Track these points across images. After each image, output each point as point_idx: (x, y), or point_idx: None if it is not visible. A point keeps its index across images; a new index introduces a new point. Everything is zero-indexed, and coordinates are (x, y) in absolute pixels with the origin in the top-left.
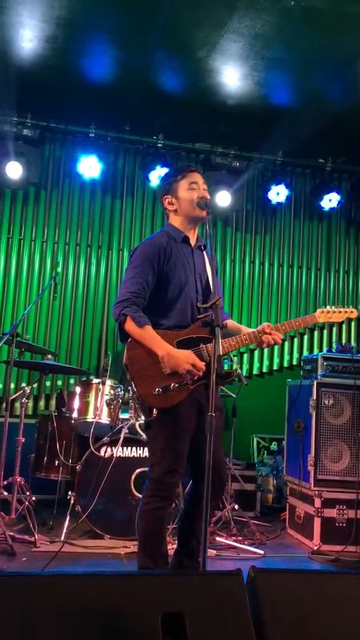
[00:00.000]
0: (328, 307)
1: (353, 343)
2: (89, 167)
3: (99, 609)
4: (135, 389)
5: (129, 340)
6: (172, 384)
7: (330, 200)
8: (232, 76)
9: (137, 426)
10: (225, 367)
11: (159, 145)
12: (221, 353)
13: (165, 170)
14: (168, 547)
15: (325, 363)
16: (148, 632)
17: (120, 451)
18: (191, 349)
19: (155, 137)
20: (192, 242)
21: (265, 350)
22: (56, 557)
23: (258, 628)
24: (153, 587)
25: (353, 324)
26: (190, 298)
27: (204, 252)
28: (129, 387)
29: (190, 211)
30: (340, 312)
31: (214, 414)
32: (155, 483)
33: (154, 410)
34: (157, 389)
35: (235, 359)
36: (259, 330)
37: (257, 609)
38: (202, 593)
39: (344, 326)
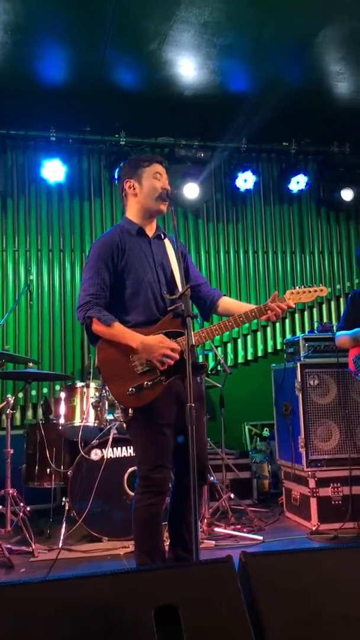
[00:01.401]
0: (297, 287)
1: (333, 322)
2: (53, 171)
3: (92, 610)
4: (109, 390)
5: (99, 341)
6: (145, 382)
7: (298, 183)
8: (187, 67)
9: (125, 425)
10: (210, 357)
11: (121, 142)
12: (194, 343)
13: None
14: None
15: (307, 344)
16: (142, 628)
17: (110, 452)
18: None
19: (117, 135)
20: (150, 232)
21: (249, 338)
22: (56, 565)
23: (253, 613)
24: (144, 582)
25: (332, 303)
26: (153, 291)
27: (165, 240)
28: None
29: (150, 200)
30: (310, 291)
31: (193, 405)
32: (144, 480)
33: (129, 410)
34: (130, 389)
35: (218, 349)
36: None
37: (251, 594)
38: (194, 583)
39: (323, 306)
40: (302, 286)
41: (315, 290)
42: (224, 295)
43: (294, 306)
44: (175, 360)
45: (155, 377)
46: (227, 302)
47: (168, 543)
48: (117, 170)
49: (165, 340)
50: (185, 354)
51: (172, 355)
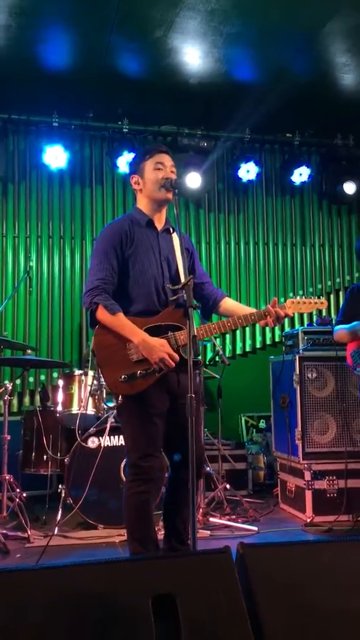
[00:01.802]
0: (298, 297)
1: (333, 315)
2: (55, 157)
3: (90, 597)
4: (102, 375)
5: (98, 325)
6: (139, 372)
7: (301, 175)
8: (192, 54)
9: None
10: (209, 348)
11: (124, 130)
12: (195, 335)
13: (132, 155)
14: (158, 534)
15: (306, 337)
16: (140, 616)
17: (107, 440)
18: (159, 337)
19: (120, 123)
20: (159, 225)
21: (247, 329)
22: (50, 551)
23: (250, 604)
24: (141, 571)
25: (332, 296)
26: (156, 283)
27: (173, 234)
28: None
29: (155, 192)
30: (310, 302)
31: (193, 395)
32: (133, 468)
33: (119, 396)
34: (122, 376)
35: (217, 340)
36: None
37: (248, 585)
38: (192, 573)
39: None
40: (304, 296)
41: (316, 302)
42: (227, 296)
43: (292, 315)
44: (170, 367)
45: (148, 367)
46: (229, 303)
47: (163, 533)
48: (117, 158)
49: (167, 346)
50: (181, 348)
51: (169, 362)
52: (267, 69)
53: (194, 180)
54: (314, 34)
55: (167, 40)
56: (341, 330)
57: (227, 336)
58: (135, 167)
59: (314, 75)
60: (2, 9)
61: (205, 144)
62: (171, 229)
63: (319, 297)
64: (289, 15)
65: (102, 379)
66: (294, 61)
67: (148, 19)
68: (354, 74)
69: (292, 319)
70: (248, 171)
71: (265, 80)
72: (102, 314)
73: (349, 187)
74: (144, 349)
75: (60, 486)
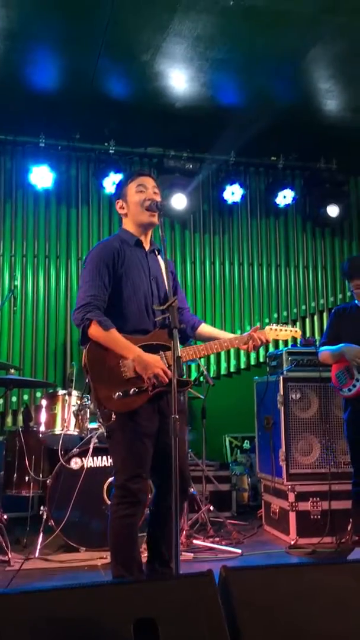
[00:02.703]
0: (274, 325)
1: (316, 336)
2: (41, 177)
3: (70, 622)
4: (94, 392)
5: (89, 343)
6: (132, 389)
7: (285, 197)
8: (178, 79)
9: (105, 433)
10: (193, 368)
11: (110, 151)
12: (180, 355)
13: (118, 176)
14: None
15: (290, 358)
16: None
17: (90, 461)
18: None
19: (106, 144)
20: (146, 245)
21: (232, 350)
22: (31, 574)
23: (233, 628)
24: (123, 595)
25: (316, 317)
26: (146, 301)
27: (159, 255)
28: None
29: (138, 214)
30: (287, 330)
31: (177, 416)
32: (121, 490)
33: (113, 415)
34: (117, 393)
35: (201, 360)
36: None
37: (231, 608)
38: (174, 597)
39: (307, 320)
40: (280, 324)
41: (292, 331)
42: (203, 322)
43: (270, 341)
44: (164, 383)
45: (142, 386)
46: (206, 329)
47: (146, 555)
48: (103, 179)
49: (161, 362)
50: (171, 368)
51: (163, 377)
52: (252, 94)
53: (179, 201)
54: (298, 60)
55: (153, 64)
56: (326, 352)
57: (212, 357)
58: (119, 192)
59: (298, 100)
60: None
61: (191, 166)
62: (157, 251)
63: (294, 326)
64: (273, 42)
65: (91, 398)
66: (279, 87)
67: (135, 43)
68: (337, 100)
69: (276, 340)
70: (233, 193)
71: (250, 104)
72: (95, 330)
73: (332, 210)
74: (139, 365)
75: (42, 508)
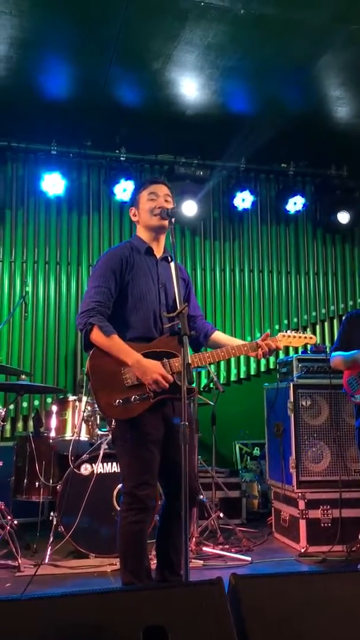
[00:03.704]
0: (287, 332)
1: (327, 343)
2: (53, 184)
3: (79, 629)
4: (95, 399)
5: (93, 349)
6: (133, 396)
7: (295, 204)
8: (189, 87)
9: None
10: (203, 374)
11: (122, 158)
12: (189, 362)
13: (129, 183)
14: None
15: (300, 365)
16: None
17: (100, 467)
18: None
19: (117, 151)
20: (158, 253)
21: (242, 357)
22: (41, 581)
23: (241, 635)
24: (133, 602)
25: (326, 324)
26: (153, 309)
27: (171, 263)
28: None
29: (149, 221)
30: (300, 337)
31: (187, 423)
32: (129, 497)
33: (113, 421)
34: (117, 400)
35: (211, 367)
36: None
37: (240, 617)
38: (183, 604)
39: (317, 327)
40: (293, 331)
41: (306, 337)
42: (217, 329)
43: (282, 348)
44: (164, 388)
45: (143, 393)
46: (219, 336)
47: (155, 562)
48: (114, 186)
49: (161, 368)
50: (175, 375)
51: (163, 383)
52: (262, 101)
53: (190, 208)
54: (309, 68)
55: (164, 72)
56: (338, 358)
57: (222, 363)
58: (133, 200)
59: (309, 107)
60: (3, 40)
61: (202, 173)
62: (169, 258)
63: (307, 333)
64: (283, 50)
65: (96, 404)
66: (289, 94)
67: (146, 51)
68: (347, 107)
69: (286, 347)
70: (243, 200)
71: (261, 112)
72: (96, 335)
73: (343, 217)
74: (138, 370)
75: (52, 513)
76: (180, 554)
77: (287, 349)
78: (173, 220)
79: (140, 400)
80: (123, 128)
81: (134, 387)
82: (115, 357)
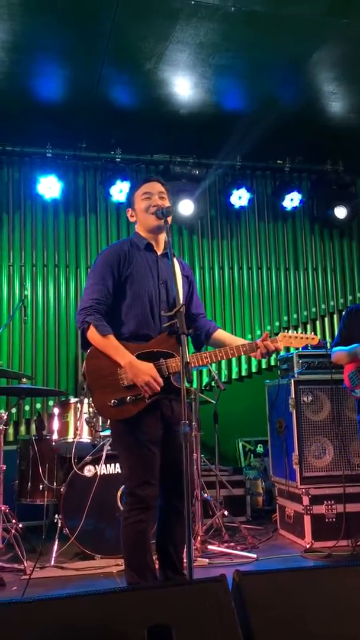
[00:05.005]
0: (289, 332)
1: (327, 339)
2: (49, 187)
3: (84, 630)
4: (92, 399)
5: (90, 349)
6: (129, 397)
7: (292, 200)
8: (182, 86)
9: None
10: (204, 373)
11: (117, 159)
12: (188, 362)
13: (125, 184)
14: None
15: (300, 361)
16: None
17: (103, 469)
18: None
19: (112, 152)
20: (158, 249)
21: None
22: (47, 583)
23: (246, 633)
24: (137, 601)
25: (326, 320)
26: (152, 305)
27: (173, 260)
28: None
29: (145, 220)
30: (302, 337)
31: (187, 422)
32: (131, 497)
33: (108, 422)
34: (112, 401)
35: (212, 365)
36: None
37: (244, 613)
38: (187, 602)
39: (317, 323)
40: (295, 332)
41: (307, 338)
42: (219, 328)
43: (282, 349)
44: (154, 391)
45: (138, 393)
46: (221, 335)
47: (158, 563)
48: (110, 187)
49: (153, 370)
50: (172, 376)
51: (154, 385)
52: (256, 98)
53: (186, 207)
54: (302, 63)
55: (157, 72)
56: (339, 352)
57: (223, 361)
58: (129, 200)
59: (303, 103)
60: None
61: (197, 172)
62: (171, 255)
63: (309, 333)
64: (276, 46)
65: (92, 404)
66: (283, 90)
67: (139, 51)
68: (341, 102)
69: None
70: (240, 197)
71: (255, 109)
72: (92, 334)
73: (340, 212)
74: (130, 371)
75: (56, 516)
76: (180, 552)
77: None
78: (169, 219)
79: (135, 401)
80: (117, 129)
81: (129, 388)
82: (111, 358)
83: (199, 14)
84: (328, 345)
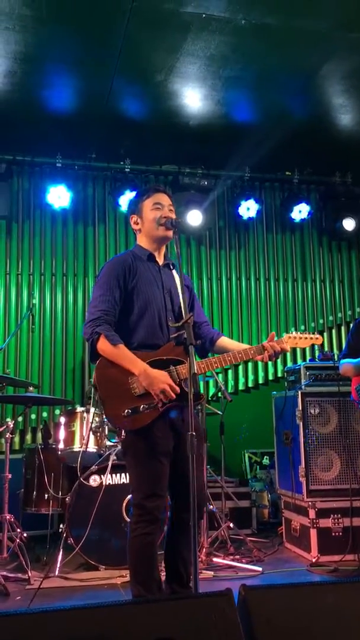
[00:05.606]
0: (293, 333)
1: (335, 350)
2: (58, 196)
3: None
4: (103, 410)
5: (99, 359)
6: (142, 406)
7: (301, 212)
8: (192, 97)
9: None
10: (211, 384)
11: (126, 170)
12: (195, 372)
13: (134, 194)
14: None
15: (308, 372)
16: None
17: (109, 479)
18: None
19: (122, 163)
20: (159, 260)
21: (250, 365)
22: (51, 593)
23: None
24: (142, 614)
25: (334, 331)
26: (159, 315)
27: (174, 270)
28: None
29: (154, 230)
30: (307, 337)
31: (194, 433)
32: (138, 509)
33: (122, 432)
34: (126, 410)
35: (219, 376)
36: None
37: (250, 628)
38: (193, 616)
39: (325, 334)
40: (299, 332)
41: (312, 338)
42: (223, 335)
43: (289, 350)
44: (171, 398)
45: (151, 402)
46: (225, 342)
47: (164, 575)
48: (119, 197)
49: (168, 377)
50: (183, 382)
51: (170, 393)
52: (265, 110)
53: (195, 217)
54: (312, 76)
55: (167, 84)
56: (347, 364)
57: (230, 372)
58: (134, 207)
59: (312, 115)
60: (7, 55)
61: (206, 183)
62: (171, 265)
63: (313, 333)
64: (286, 59)
65: (104, 414)
66: (292, 102)
67: (149, 63)
68: (351, 114)
69: (294, 355)
70: (248, 209)
71: (264, 121)
72: (103, 345)
73: (348, 224)
74: (145, 380)
75: (61, 526)
76: (188, 566)
77: (294, 355)
78: (177, 230)
79: (149, 409)
80: (127, 140)
81: (142, 396)
82: (122, 367)
83: (209, 27)
84: (336, 357)
